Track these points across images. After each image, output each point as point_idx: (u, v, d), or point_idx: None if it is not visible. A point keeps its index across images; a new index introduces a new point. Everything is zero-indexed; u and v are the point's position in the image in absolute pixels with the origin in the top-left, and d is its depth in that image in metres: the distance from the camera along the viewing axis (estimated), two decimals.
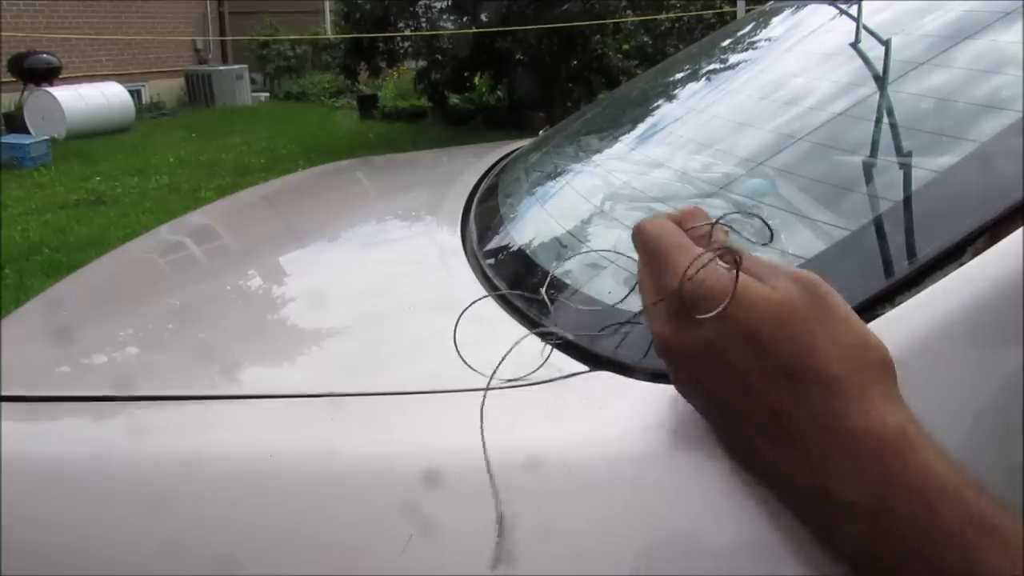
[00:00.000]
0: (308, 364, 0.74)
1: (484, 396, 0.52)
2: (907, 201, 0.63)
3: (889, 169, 0.72)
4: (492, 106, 8.54)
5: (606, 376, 0.57)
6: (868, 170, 0.73)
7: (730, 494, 0.47)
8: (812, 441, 0.41)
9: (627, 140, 1.19)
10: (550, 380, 0.57)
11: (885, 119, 0.79)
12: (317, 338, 0.79)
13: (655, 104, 1.30)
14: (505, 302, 0.74)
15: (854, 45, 0.94)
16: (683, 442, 0.48)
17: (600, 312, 0.65)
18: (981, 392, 0.47)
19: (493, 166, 1.33)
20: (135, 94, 9.56)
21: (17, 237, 4.68)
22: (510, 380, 0.57)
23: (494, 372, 0.54)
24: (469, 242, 0.94)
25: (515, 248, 0.89)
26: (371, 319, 0.79)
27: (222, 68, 11.31)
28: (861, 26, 0.95)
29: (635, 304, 0.62)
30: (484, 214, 1.04)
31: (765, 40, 1.30)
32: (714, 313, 0.42)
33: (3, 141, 6.93)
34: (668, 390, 0.53)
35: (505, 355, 0.54)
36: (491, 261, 0.87)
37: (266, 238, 1.24)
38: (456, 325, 0.57)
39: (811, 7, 1.23)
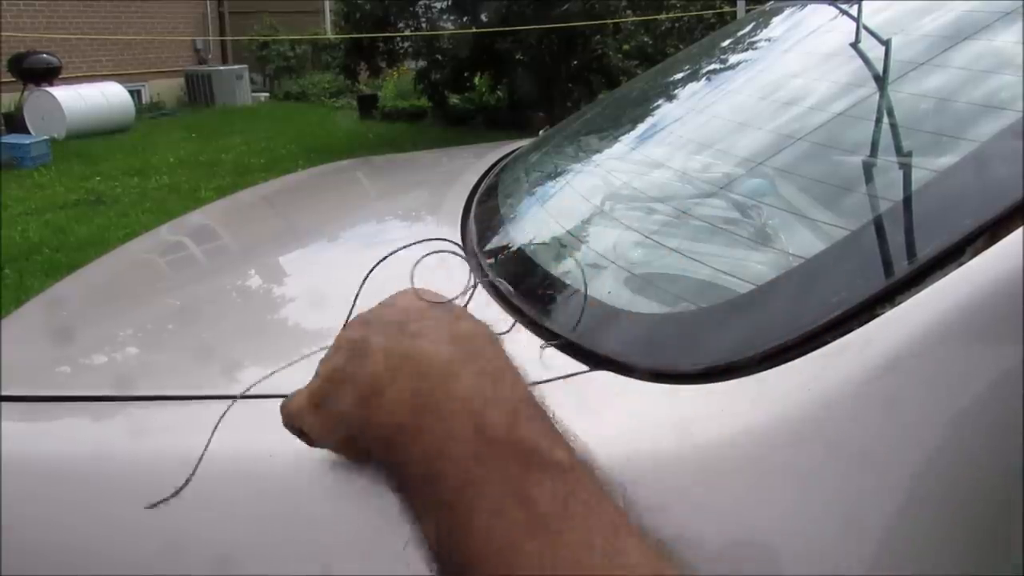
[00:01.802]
0: (308, 364, 0.74)
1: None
2: (907, 201, 0.63)
3: (889, 169, 0.72)
4: (492, 106, 8.54)
5: (606, 376, 0.57)
6: (868, 170, 0.73)
7: (731, 494, 0.47)
8: None
9: (627, 140, 1.19)
10: (549, 380, 0.57)
11: (885, 119, 0.79)
12: (317, 338, 0.78)
13: (655, 104, 1.30)
14: (497, 294, 0.74)
15: (854, 45, 0.94)
16: (683, 442, 0.48)
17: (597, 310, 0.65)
18: (980, 392, 0.47)
19: (493, 166, 1.33)
20: (135, 94, 9.55)
21: (17, 237, 4.68)
22: None
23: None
24: (469, 242, 0.94)
25: (515, 248, 0.89)
26: None
27: (222, 68, 11.30)
28: (861, 26, 0.95)
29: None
30: (484, 214, 1.04)
31: (765, 40, 1.30)
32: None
33: (3, 141, 6.93)
34: (668, 390, 0.53)
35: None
36: (491, 261, 0.87)
37: (266, 238, 1.25)
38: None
39: (811, 7, 1.23)
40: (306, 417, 0.47)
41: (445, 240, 0.52)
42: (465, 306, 0.49)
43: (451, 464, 0.39)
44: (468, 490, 0.38)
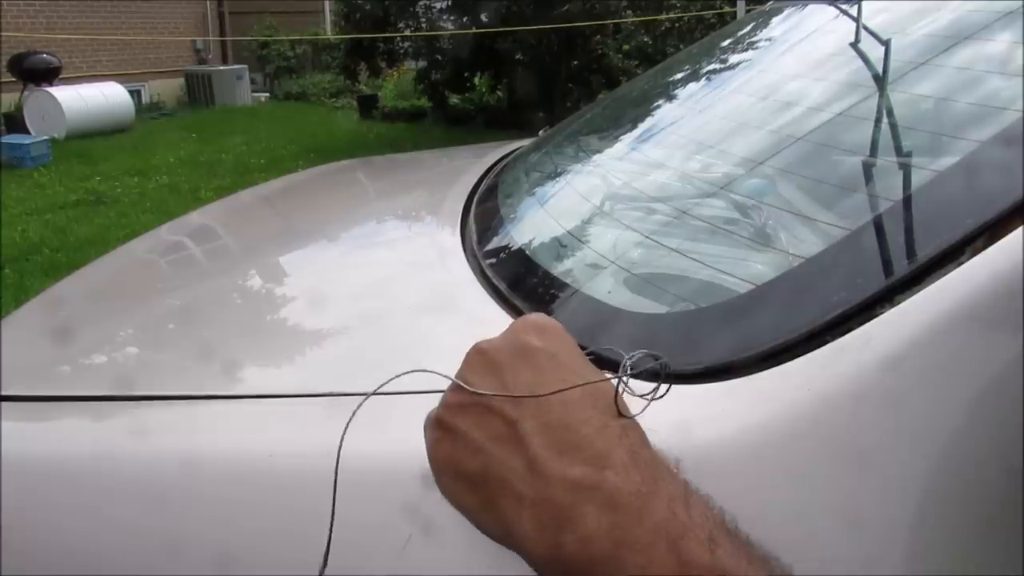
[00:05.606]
0: (308, 364, 0.74)
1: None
2: (907, 201, 0.63)
3: (889, 169, 0.72)
4: (492, 106, 8.54)
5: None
6: (868, 170, 0.73)
7: (731, 494, 0.46)
8: None
9: (627, 140, 1.19)
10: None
11: (885, 119, 0.79)
12: (317, 338, 0.79)
13: (655, 104, 1.30)
14: (504, 302, 0.74)
15: (854, 45, 0.94)
16: (683, 442, 0.48)
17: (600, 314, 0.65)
18: (980, 391, 0.47)
19: (493, 166, 1.33)
20: (135, 94, 9.55)
21: (17, 237, 4.68)
22: None
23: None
24: (469, 242, 0.94)
25: (515, 248, 0.89)
26: (371, 319, 0.79)
27: (222, 68, 11.30)
28: (861, 26, 0.95)
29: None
30: (484, 214, 1.04)
31: (765, 40, 1.30)
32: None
33: (3, 141, 6.93)
34: (669, 390, 0.53)
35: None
36: (491, 261, 0.87)
37: (266, 238, 1.24)
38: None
39: (811, 7, 1.23)
40: (439, 475, 0.47)
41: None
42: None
43: None
44: None
